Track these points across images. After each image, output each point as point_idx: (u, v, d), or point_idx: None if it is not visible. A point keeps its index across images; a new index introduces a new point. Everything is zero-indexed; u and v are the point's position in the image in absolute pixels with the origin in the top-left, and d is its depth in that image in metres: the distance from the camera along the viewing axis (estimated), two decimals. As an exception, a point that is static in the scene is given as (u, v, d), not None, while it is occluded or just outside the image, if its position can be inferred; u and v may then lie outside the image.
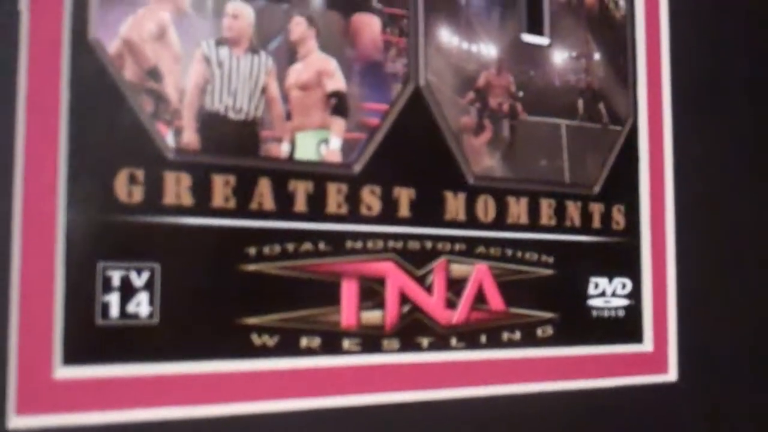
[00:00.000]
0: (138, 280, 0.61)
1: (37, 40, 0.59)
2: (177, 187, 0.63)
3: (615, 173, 0.86)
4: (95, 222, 0.60)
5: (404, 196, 0.73)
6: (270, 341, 0.66)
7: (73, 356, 0.59)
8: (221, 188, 0.65)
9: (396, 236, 0.72)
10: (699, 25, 0.93)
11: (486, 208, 0.77)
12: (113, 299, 0.60)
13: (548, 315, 0.80)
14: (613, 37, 0.87)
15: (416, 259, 0.73)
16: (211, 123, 0.65)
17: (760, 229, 0.95)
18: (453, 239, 0.75)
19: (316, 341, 0.68)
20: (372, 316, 0.70)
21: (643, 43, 0.89)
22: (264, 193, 0.66)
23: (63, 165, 0.60)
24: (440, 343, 0.74)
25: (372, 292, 0.71)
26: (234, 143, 0.66)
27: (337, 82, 0.70)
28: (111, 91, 0.62)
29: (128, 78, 0.62)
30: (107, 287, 0.60)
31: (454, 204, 0.76)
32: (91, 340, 0.60)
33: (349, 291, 0.70)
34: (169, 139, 0.63)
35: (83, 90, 0.61)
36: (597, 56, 0.86)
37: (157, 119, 0.63)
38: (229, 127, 0.66)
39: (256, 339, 0.65)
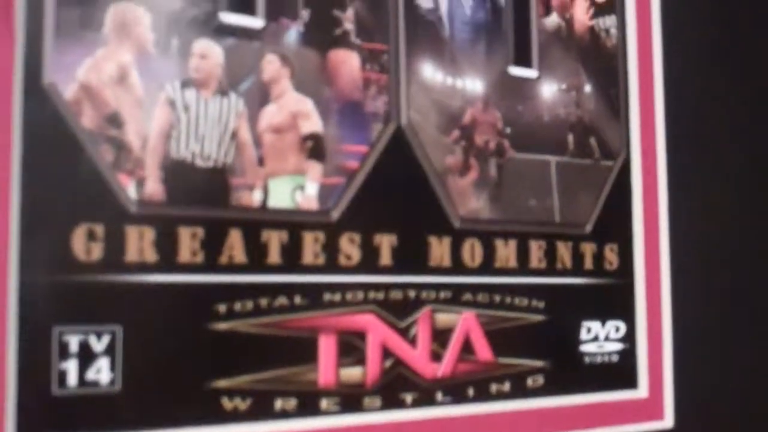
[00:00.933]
0: (98, 345, 0.57)
1: (-15, 87, 0.54)
2: (140, 243, 0.58)
3: (607, 211, 0.82)
4: (51, 283, 0.56)
5: (386, 243, 0.68)
6: (242, 405, 0.61)
7: (27, 429, 0.54)
8: (188, 242, 0.60)
9: (377, 286, 0.68)
10: (693, 55, 0.89)
11: (473, 253, 0.73)
12: (71, 366, 0.56)
13: (539, 363, 0.76)
14: (605, 67, 0.83)
15: (399, 310, 0.69)
16: (176, 172, 0.60)
17: (759, 269, 0.91)
18: (438, 287, 0.71)
19: (292, 402, 0.63)
20: (352, 373, 0.66)
21: (636, 73, 0.85)
22: (235, 245, 0.62)
23: (15, 221, 0.55)
24: (425, 398, 0.69)
25: (352, 347, 0.66)
26: (202, 193, 0.61)
27: (313, 123, 0.66)
28: (67, 139, 0.57)
29: (86, 125, 0.57)
30: (64, 353, 0.56)
31: (439, 249, 0.71)
32: (47, 411, 0.55)
33: (327, 347, 0.65)
34: (131, 190, 0.58)
35: (37, 139, 0.56)
36: (588, 88, 0.82)
37: (117, 169, 0.58)
38: (196, 175, 0.61)
39: (226, 403, 0.61)
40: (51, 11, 0.57)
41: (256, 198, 0.63)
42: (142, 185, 0.59)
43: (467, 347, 0.72)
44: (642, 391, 0.82)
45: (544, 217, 0.78)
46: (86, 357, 0.56)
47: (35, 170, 0.56)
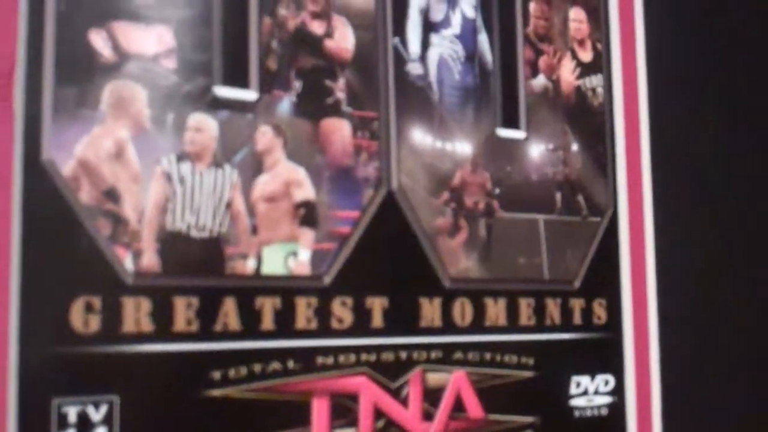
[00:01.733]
0: (96, 415, 0.58)
1: (-14, 166, 0.56)
2: (136, 314, 0.60)
3: (595, 266, 0.84)
4: (50, 355, 0.57)
5: (377, 305, 0.70)
6: (237, 470, 0.62)
7: (25, 500, 0.56)
8: (183, 311, 0.61)
9: (369, 348, 0.69)
10: (679, 110, 0.91)
11: (463, 312, 0.75)
12: (69, 437, 0.57)
13: (529, 419, 0.78)
14: (592, 126, 0.85)
15: (391, 371, 0.70)
16: (172, 243, 0.62)
17: (748, 322, 0.93)
18: (429, 347, 0.72)
19: (286, 466, 0.64)
20: (345, 435, 0.67)
21: (623, 130, 0.87)
22: (229, 313, 0.63)
23: (15, 294, 0.57)
24: (417, 458, 0.71)
25: (344, 409, 0.68)
26: (197, 263, 0.63)
27: (305, 191, 0.67)
28: (66, 214, 0.59)
29: (84, 200, 0.59)
30: (63, 424, 0.57)
31: (430, 310, 0.73)
32: (45, 481, 0.56)
33: (320, 410, 0.66)
34: (128, 262, 0.60)
35: (36, 214, 0.58)
36: (575, 147, 0.84)
37: (115, 242, 0.60)
38: (191, 246, 0.63)
39: (222, 469, 0.62)
40: (49, 90, 0.58)
41: (250, 266, 0.64)
42: (139, 257, 0.60)
43: (458, 405, 0.74)
44: (631, 443, 0.84)
45: (533, 274, 0.79)
46: (84, 427, 0.58)
47: (34, 245, 0.58)
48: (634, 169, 0.88)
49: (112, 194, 0.60)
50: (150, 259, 0.61)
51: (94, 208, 0.59)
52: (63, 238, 0.59)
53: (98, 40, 0.60)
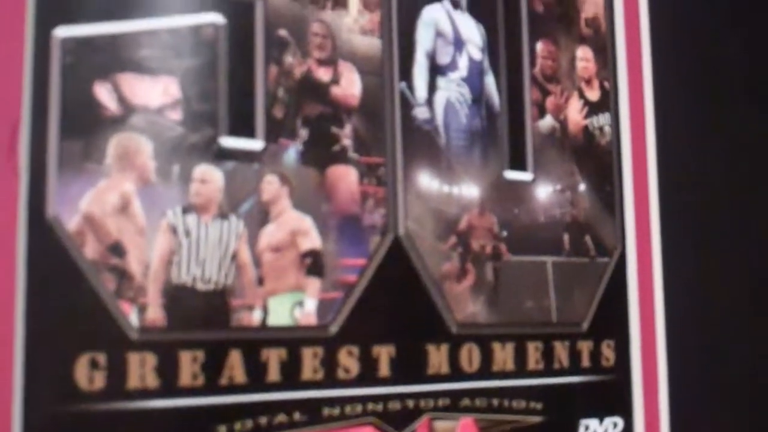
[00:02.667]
0: (100, 473, 0.57)
1: (-10, 223, 0.56)
2: (141, 369, 0.59)
3: (603, 307, 0.83)
4: (54, 413, 0.57)
5: (384, 354, 0.69)
6: None
7: None
8: (189, 365, 0.61)
9: (376, 398, 0.69)
10: (687, 149, 0.90)
11: (470, 358, 0.74)
12: (73, 495, 0.56)
13: (537, 464, 0.77)
14: (599, 165, 0.85)
15: (398, 421, 0.70)
16: (178, 297, 0.61)
17: (758, 364, 0.92)
18: (436, 394, 0.72)
19: None
20: (351, 487, 0.67)
21: (630, 168, 0.86)
22: (235, 365, 0.63)
23: (19, 352, 0.56)
24: (424, 507, 0.70)
25: (351, 460, 0.67)
26: (202, 316, 0.62)
27: (311, 240, 0.67)
28: (70, 270, 0.58)
29: (89, 256, 0.58)
30: (66, 483, 0.56)
31: (437, 356, 0.72)
32: None
33: (326, 462, 0.66)
34: (133, 317, 0.59)
35: (40, 271, 0.57)
36: (582, 187, 0.83)
37: (119, 297, 0.59)
38: (197, 299, 0.62)
39: None
40: (54, 145, 0.58)
41: (255, 318, 0.64)
42: (144, 312, 0.60)
43: (466, 452, 0.73)
44: (640, 486, 0.83)
45: (541, 317, 0.79)
46: (89, 486, 0.57)
47: (39, 301, 0.57)
48: (642, 208, 0.87)
49: (117, 249, 0.59)
50: (155, 314, 0.60)
51: (99, 264, 0.59)
52: (67, 294, 0.58)
53: (103, 92, 0.60)
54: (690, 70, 0.92)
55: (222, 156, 0.64)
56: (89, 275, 0.59)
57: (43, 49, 0.59)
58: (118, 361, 0.59)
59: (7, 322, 0.56)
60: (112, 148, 0.60)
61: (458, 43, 0.77)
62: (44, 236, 0.58)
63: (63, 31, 0.59)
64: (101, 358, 0.58)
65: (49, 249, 0.58)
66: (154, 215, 0.61)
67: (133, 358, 0.59)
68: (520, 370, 0.77)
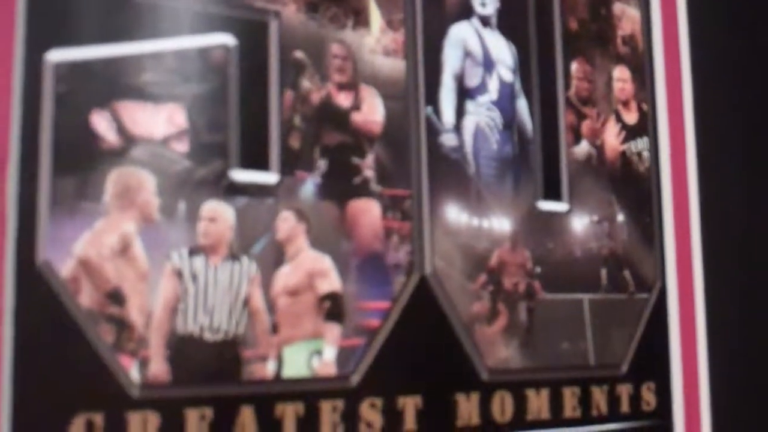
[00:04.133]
0: None
1: (-26, 270, 0.50)
2: (143, 430, 0.53)
3: (643, 347, 0.77)
4: (45, 482, 0.50)
5: (410, 405, 0.63)
6: None
7: None
8: (196, 424, 0.55)
9: (401, 454, 0.62)
10: (730, 174, 0.84)
11: (503, 407, 0.68)
12: None
13: None
14: (638, 193, 0.79)
15: (425, 479, 0.63)
16: (183, 348, 0.55)
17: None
18: (466, 448, 0.66)
19: None
20: None
21: (670, 196, 0.80)
22: (246, 423, 0.57)
23: (6, 416, 0.50)
24: None
25: None
26: (211, 369, 0.56)
27: (331, 282, 0.61)
28: (64, 321, 0.52)
29: (85, 304, 0.52)
30: None
31: (467, 407, 0.66)
32: None
33: None
34: (134, 372, 0.53)
35: (31, 323, 0.51)
36: (620, 217, 0.77)
37: (119, 351, 0.53)
38: (205, 351, 0.56)
39: None
40: (46, 182, 0.52)
41: (269, 369, 0.58)
42: (146, 366, 0.54)
43: None
44: None
45: (577, 360, 0.73)
46: None
47: (29, 356, 0.51)
48: (683, 240, 0.81)
49: (116, 296, 0.53)
50: (158, 368, 0.54)
51: (95, 313, 0.53)
52: (61, 348, 0.52)
53: (101, 122, 0.54)
54: (733, 90, 0.86)
55: (233, 191, 0.58)
56: (85, 326, 0.53)
57: (34, 75, 0.53)
58: (117, 421, 0.53)
59: (-7, 380, 0.50)
60: (111, 184, 0.54)
61: (488, 64, 0.71)
62: (34, 284, 0.52)
63: (56, 55, 0.53)
64: (99, 419, 0.52)
65: (39, 298, 0.52)
66: (158, 258, 0.55)
67: (135, 419, 0.54)
68: (556, 419, 0.71)
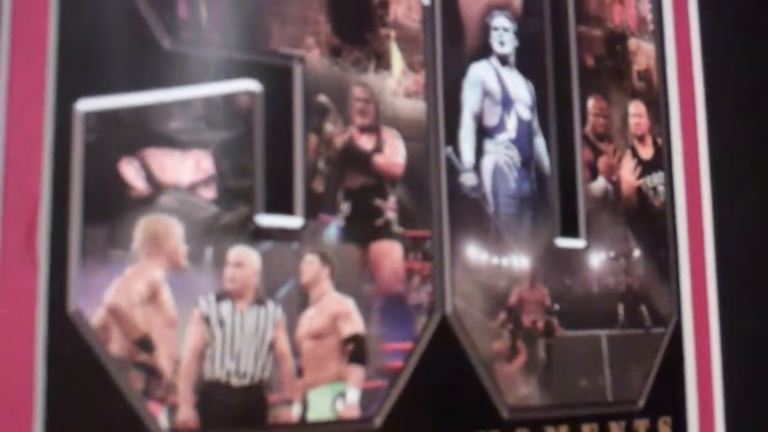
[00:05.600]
0: None
1: (7, 321, 0.50)
2: (172, 477, 0.53)
3: (660, 382, 0.78)
4: None
5: (432, 445, 0.63)
6: None
7: None
8: (224, 469, 0.55)
9: (423, 495, 0.63)
10: (745, 209, 0.84)
11: (522, 444, 0.68)
12: None
13: None
14: (653, 228, 0.79)
15: None
16: (211, 394, 0.56)
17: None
18: (487, 487, 0.66)
19: None
20: None
21: (685, 230, 0.81)
22: (273, 467, 0.57)
23: (37, 462, 0.50)
24: None
25: None
26: (237, 414, 0.57)
27: (354, 324, 0.61)
28: (94, 369, 0.53)
29: (114, 352, 0.53)
30: None
31: (488, 444, 0.66)
32: None
33: None
34: (163, 419, 0.54)
35: (62, 370, 0.52)
36: (637, 253, 0.77)
37: (148, 397, 0.53)
38: (231, 396, 0.56)
39: None
40: (76, 231, 0.53)
41: (294, 413, 0.58)
42: (174, 412, 0.54)
43: None
44: None
45: (595, 396, 0.73)
46: None
47: (60, 403, 0.52)
48: (698, 273, 0.81)
49: (145, 343, 0.54)
50: (186, 414, 0.55)
51: (125, 361, 0.53)
52: (91, 396, 0.53)
53: (130, 170, 0.54)
54: (747, 124, 0.87)
55: (259, 236, 0.58)
56: (115, 374, 0.53)
57: (65, 125, 0.53)
58: (146, 468, 0.53)
59: (25, 427, 0.51)
60: (140, 232, 0.55)
61: (506, 103, 0.72)
62: (66, 332, 0.52)
63: (85, 105, 0.54)
64: (128, 466, 0.52)
65: (71, 346, 0.53)
66: (186, 304, 0.56)
67: (163, 465, 0.54)
68: (575, 455, 0.71)
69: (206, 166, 0.57)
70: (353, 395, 0.61)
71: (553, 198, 0.73)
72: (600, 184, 0.76)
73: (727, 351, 0.81)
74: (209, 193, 0.57)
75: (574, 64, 0.76)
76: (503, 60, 0.72)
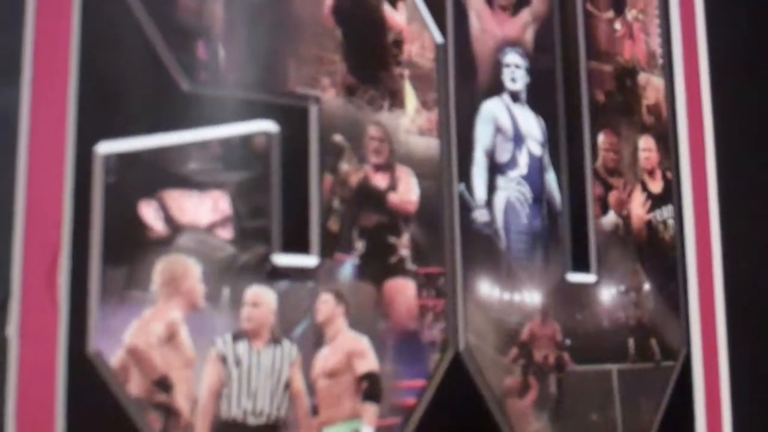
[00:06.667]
0: None
1: (28, 362, 0.51)
2: None
3: (670, 414, 0.78)
4: None
5: (445, 481, 0.64)
6: None
7: None
8: None
9: None
10: (753, 241, 0.85)
11: (534, 479, 0.68)
12: None
13: None
14: (663, 262, 0.80)
15: None
16: (228, 433, 0.56)
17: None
18: None
19: None
20: None
21: (694, 263, 0.81)
22: (288, 506, 0.57)
23: (56, 503, 0.50)
24: None
25: None
26: (254, 453, 0.57)
27: (368, 362, 0.62)
28: (113, 410, 0.53)
29: (133, 393, 0.53)
30: None
31: (500, 481, 0.66)
32: None
33: None
34: (180, 459, 0.54)
35: (81, 410, 0.52)
36: (647, 286, 0.78)
37: (166, 437, 0.54)
38: (248, 435, 0.57)
39: None
40: (96, 273, 0.53)
41: (310, 451, 0.58)
42: (192, 452, 0.54)
43: None
44: None
45: (606, 430, 0.73)
46: None
47: (78, 444, 0.52)
48: (707, 306, 0.82)
49: (163, 384, 0.54)
50: (204, 454, 0.55)
51: (143, 401, 0.54)
52: (110, 436, 0.53)
53: (149, 212, 0.55)
54: (756, 157, 0.87)
55: (275, 275, 0.59)
56: (134, 414, 0.54)
57: (85, 168, 0.54)
58: None
59: (43, 468, 0.51)
60: (159, 273, 0.55)
61: (518, 139, 0.72)
62: (85, 374, 0.53)
63: (105, 147, 0.54)
64: (146, 507, 0.53)
65: (90, 387, 0.53)
66: (203, 344, 0.56)
67: (180, 505, 0.54)
68: (586, 490, 0.72)
69: (224, 207, 0.58)
70: (367, 433, 0.61)
71: (564, 233, 0.74)
72: (610, 218, 0.77)
73: (735, 384, 0.81)
74: (227, 233, 0.58)
75: (585, 99, 0.76)
76: (515, 96, 0.72)
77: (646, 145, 0.80)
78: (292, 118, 0.61)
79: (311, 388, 0.60)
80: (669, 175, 0.81)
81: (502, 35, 0.72)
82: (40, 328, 0.52)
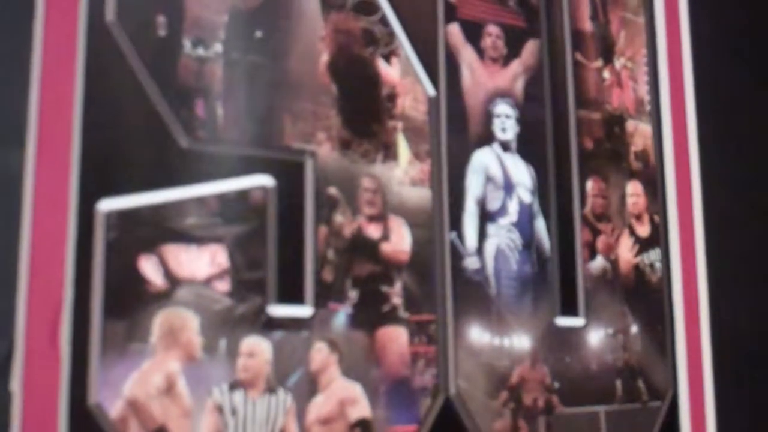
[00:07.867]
0: None
1: (31, 414, 0.52)
2: None
3: (656, 455, 0.79)
4: None
5: None
6: None
7: None
8: None
9: None
10: (739, 284, 0.87)
11: None
12: None
13: None
14: (651, 304, 0.82)
15: None
16: (224, 481, 0.58)
17: None
18: None
19: None
20: None
21: (681, 305, 0.83)
22: None
23: None
24: None
25: None
26: (249, 500, 0.58)
27: (361, 409, 0.63)
28: (112, 460, 0.54)
29: (132, 443, 0.55)
30: None
31: None
32: None
33: None
34: (178, 507, 0.55)
35: (81, 461, 0.53)
36: (634, 329, 0.80)
37: (163, 488, 0.55)
38: (243, 483, 0.58)
39: None
40: (97, 327, 0.55)
41: (303, 497, 0.60)
42: (189, 501, 0.56)
43: None
44: None
45: (594, 472, 0.75)
46: None
47: (79, 494, 0.53)
48: (694, 347, 0.84)
49: (161, 434, 0.56)
50: (200, 502, 0.56)
51: (142, 451, 0.55)
52: (109, 487, 0.54)
53: (148, 266, 0.57)
54: (742, 201, 0.89)
55: (270, 326, 0.61)
56: (132, 464, 0.55)
57: (87, 225, 0.56)
58: None
59: None
60: (158, 326, 0.57)
61: (508, 187, 0.74)
62: (86, 426, 0.55)
63: (106, 204, 0.56)
64: None
65: (89, 440, 0.54)
66: (200, 394, 0.58)
67: None
68: None
69: (221, 260, 0.59)
70: (360, 479, 0.63)
71: (553, 278, 0.76)
72: (599, 263, 0.79)
73: (722, 423, 0.83)
74: (224, 285, 0.59)
75: (574, 147, 0.78)
76: (505, 146, 0.74)
77: (634, 190, 0.82)
78: (288, 172, 0.63)
79: (305, 435, 0.61)
80: (656, 218, 0.83)
81: (493, 86, 0.74)
82: (42, 381, 0.53)
